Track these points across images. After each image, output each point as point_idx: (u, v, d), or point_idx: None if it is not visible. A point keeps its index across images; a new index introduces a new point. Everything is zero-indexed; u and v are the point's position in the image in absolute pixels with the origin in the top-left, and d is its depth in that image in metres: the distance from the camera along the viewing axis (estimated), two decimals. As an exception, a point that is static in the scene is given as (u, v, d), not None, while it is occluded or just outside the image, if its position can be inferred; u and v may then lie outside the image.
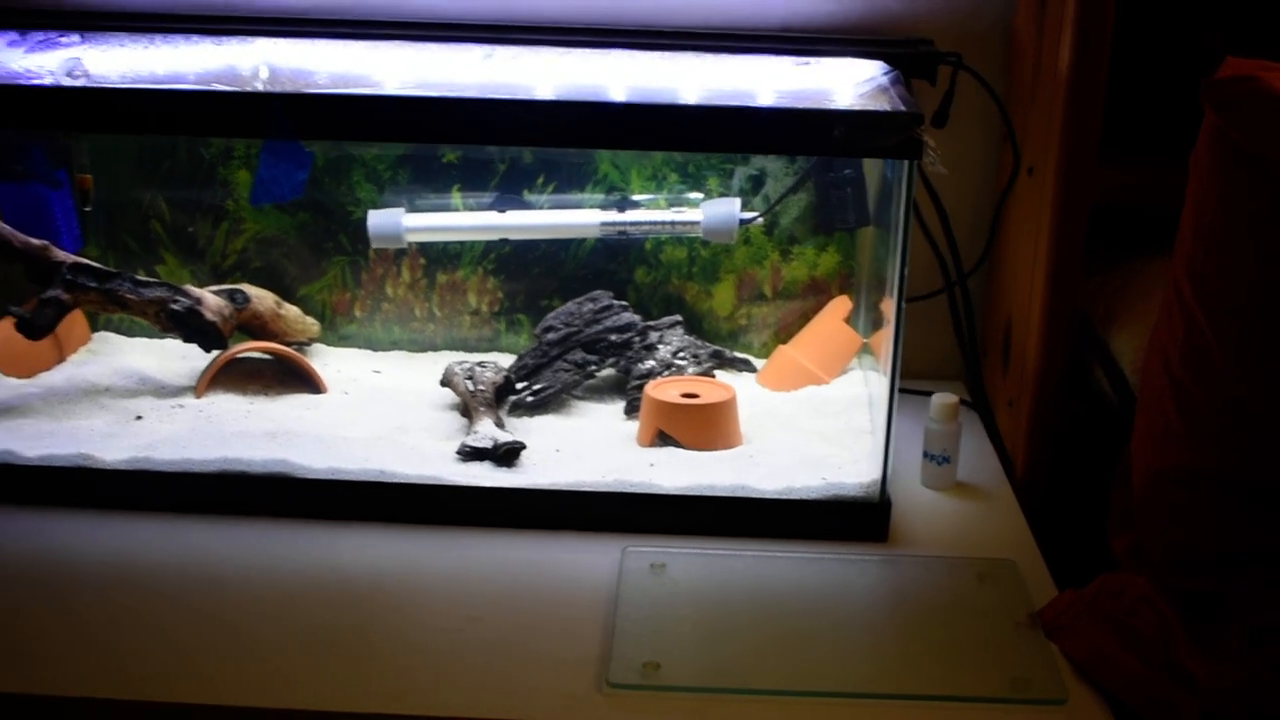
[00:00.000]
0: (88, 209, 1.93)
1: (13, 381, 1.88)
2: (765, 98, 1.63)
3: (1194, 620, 1.35)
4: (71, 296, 1.79)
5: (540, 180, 1.95)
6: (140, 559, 1.59)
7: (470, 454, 1.70)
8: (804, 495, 1.65)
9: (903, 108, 1.55)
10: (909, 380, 1.92)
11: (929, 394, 1.80)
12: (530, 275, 2.01)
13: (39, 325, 1.77)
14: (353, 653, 1.43)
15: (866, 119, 1.54)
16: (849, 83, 1.69)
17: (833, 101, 1.63)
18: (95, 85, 1.59)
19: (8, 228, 1.77)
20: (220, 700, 1.36)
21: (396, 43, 1.79)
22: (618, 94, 1.64)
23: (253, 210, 1.97)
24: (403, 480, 1.67)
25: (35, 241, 1.78)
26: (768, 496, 1.65)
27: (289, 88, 1.62)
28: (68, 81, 1.59)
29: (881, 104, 1.59)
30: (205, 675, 1.39)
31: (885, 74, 1.72)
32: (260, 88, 1.61)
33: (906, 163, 1.54)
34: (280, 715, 1.36)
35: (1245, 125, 1.29)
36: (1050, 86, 1.70)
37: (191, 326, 1.84)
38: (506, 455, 1.69)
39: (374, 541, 1.62)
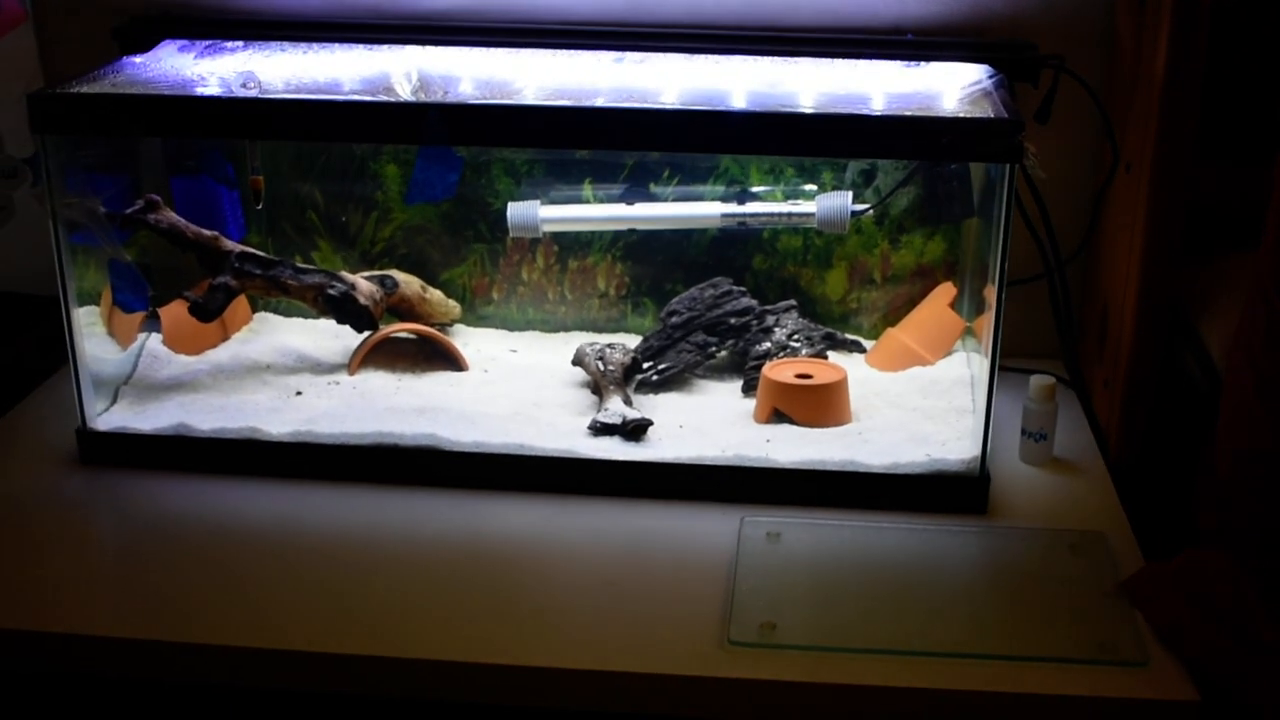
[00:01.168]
0: (259, 207, 2.07)
1: (183, 359, 2.02)
2: (877, 103, 1.73)
3: (1273, 597, 1.44)
4: (239, 283, 1.93)
5: (666, 174, 2.05)
6: (304, 524, 1.73)
7: (601, 429, 1.82)
8: (909, 470, 1.75)
9: (1005, 114, 1.64)
10: (1011, 359, 1.99)
11: (1030, 372, 1.88)
12: (655, 262, 2.11)
13: (210, 309, 1.91)
14: (500, 611, 1.56)
15: (970, 126, 1.63)
16: (955, 86, 1.77)
17: (940, 106, 1.72)
18: (269, 96, 1.73)
19: (182, 220, 1.91)
20: (378, 651, 1.49)
21: (534, 49, 1.91)
22: (739, 100, 1.74)
23: (400, 201, 2.10)
24: (540, 453, 1.79)
25: (206, 233, 1.92)
26: (876, 471, 1.75)
27: (441, 98, 1.74)
28: (243, 93, 1.74)
29: (985, 109, 1.68)
30: (365, 626, 1.53)
31: (990, 77, 1.80)
32: (415, 96, 1.74)
33: (1008, 166, 1.64)
34: (435, 666, 1.48)
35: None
36: (1148, 86, 1.76)
37: (346, 310, 1.98)
38: (635, 431, 1.81)
39: (516, 510, 1.75)
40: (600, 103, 1.72)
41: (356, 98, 1.74)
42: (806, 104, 1.73)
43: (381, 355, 2.03)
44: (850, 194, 2.00)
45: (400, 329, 2.04)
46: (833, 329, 2.08)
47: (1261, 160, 1.45)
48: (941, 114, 1.68)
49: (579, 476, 1.79)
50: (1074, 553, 1.65)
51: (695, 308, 2.01)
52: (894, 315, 2.11)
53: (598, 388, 1.92)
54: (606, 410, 1.84)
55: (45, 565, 1.65)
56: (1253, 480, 1.47)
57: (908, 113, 1.67)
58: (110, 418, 1.88)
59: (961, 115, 1.66)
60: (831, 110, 1.69)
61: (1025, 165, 1.63)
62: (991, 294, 1.73)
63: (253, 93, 1.73)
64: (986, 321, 1.75)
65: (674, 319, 2.00)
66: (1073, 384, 2.04)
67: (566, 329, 2.17)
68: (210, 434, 1.84)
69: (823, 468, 1.76)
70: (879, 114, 1.68)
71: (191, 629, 1.54)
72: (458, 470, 1.80)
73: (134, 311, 1.93)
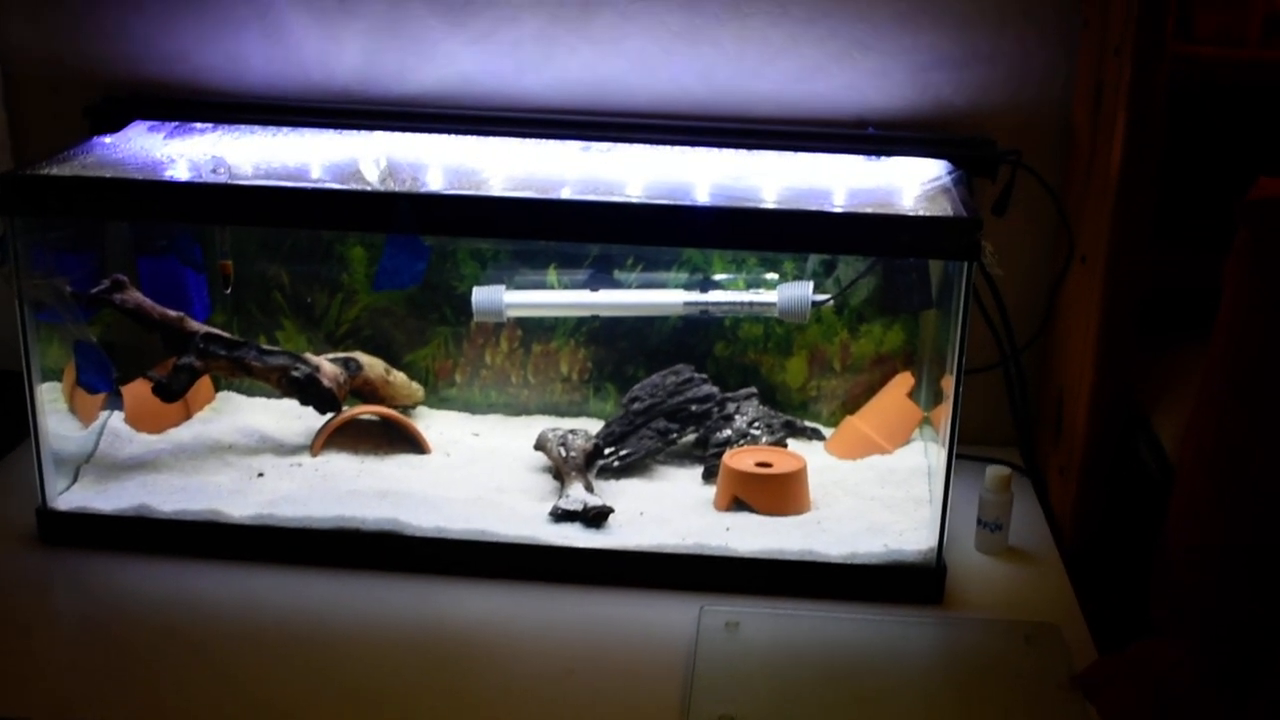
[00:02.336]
0: (228, 291, 2.09)
1: (145, 437, 2.03)
2: (838, 197, 1.76)
3: (1224, 689, 1.46)
4: (203, 363, 1.94)
5: (629, 261, 2.07)
6: (265, 609, 1.73)
7: (562, 516, 1.83)
8: (867, 560, 1.77)
9: (963, 212, 1.68)
10: (969, 446, 2.03)
11: (987, 461, 1.91)
12: (618, 347, 2.13)
13: (174, 389, 1.92)
14: (458, 698, 1.57)
15: (929, 224, 1.67)
16: (915, 182, 1.81)
17: (900, 201, 1.76)
18: (237, 183, 1.75)
19: (148, 300, 1.92)
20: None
21: (502, 137, 1.94)
22: (703, 193, 1.77)
23: (366, 283, 2.12)
24: (501, 540, 1.80)
25: (171, 313, 1.93)
26: (834, 561, 1.77)
27: (409, 186, 1.76)
28: (212, 178, 1.75)
29: (944, 207, 1.72)
30: (325, 711, 1.54)
31: (949, 173, 1.84)
32: (383, 184, 1.76)
33: (965, 264, 1.67)
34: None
35: (1274, 243, 1.40)
36: (1103, 181, 1.80)
37: (310, 392, 1.99)
38: (596, 518, 1.83)
39: (476, 595, 1.76)
40: (566, 194, 1.75)
41: (324, 186, 1.76)
42: (769, 197, 1.77)
43: (344, 437, 2.04)
44: (811, 284, 2.03)
45: (363, 411, 2.05)
46: (793, 416, 2.11)
47: (1216, 247, 1.48)
48: (901, 211, 1.71)
49: (539, 563, 1.80)
50: (1029, 644, 1.67)
51: (657, 394, 2.03)
52: (853, 403, 2.14)
53: (559, 473, 1.93)
54: (568, 496, 1.86)
55: (3, 646, 1.65)
56: (1204, 572, 1.49)
57: (867, 210, 1.71)
58: (71, 497, 1.88)
59: (920, 213, 1.70)
60: (793, 206, 1.73)
61: (982, 262, 1.66)
62: (949, 384, 1.75)
63: (222, 178, 1.75)
64: (944, 412, 1.77)
65: (636, 405, 2.02)
66: (1028, 472, 2.07)
67: (529, 412, 2.19)
68: (171, 515, 1.84)
69: (781, 557, 1.78)
70: (839, 211, 1.72)
71: (151, 713, 1.53)
72: (418, 555, 1.81)
73: (98, 392, 1.93)
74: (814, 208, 1.72)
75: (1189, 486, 1.53)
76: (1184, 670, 1.50)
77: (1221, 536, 1.48)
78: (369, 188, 1.76)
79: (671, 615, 1.72)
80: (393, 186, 1.75)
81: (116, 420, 2.03)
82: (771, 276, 2.06)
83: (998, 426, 2.11)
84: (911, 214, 1.70)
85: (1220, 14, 1.79)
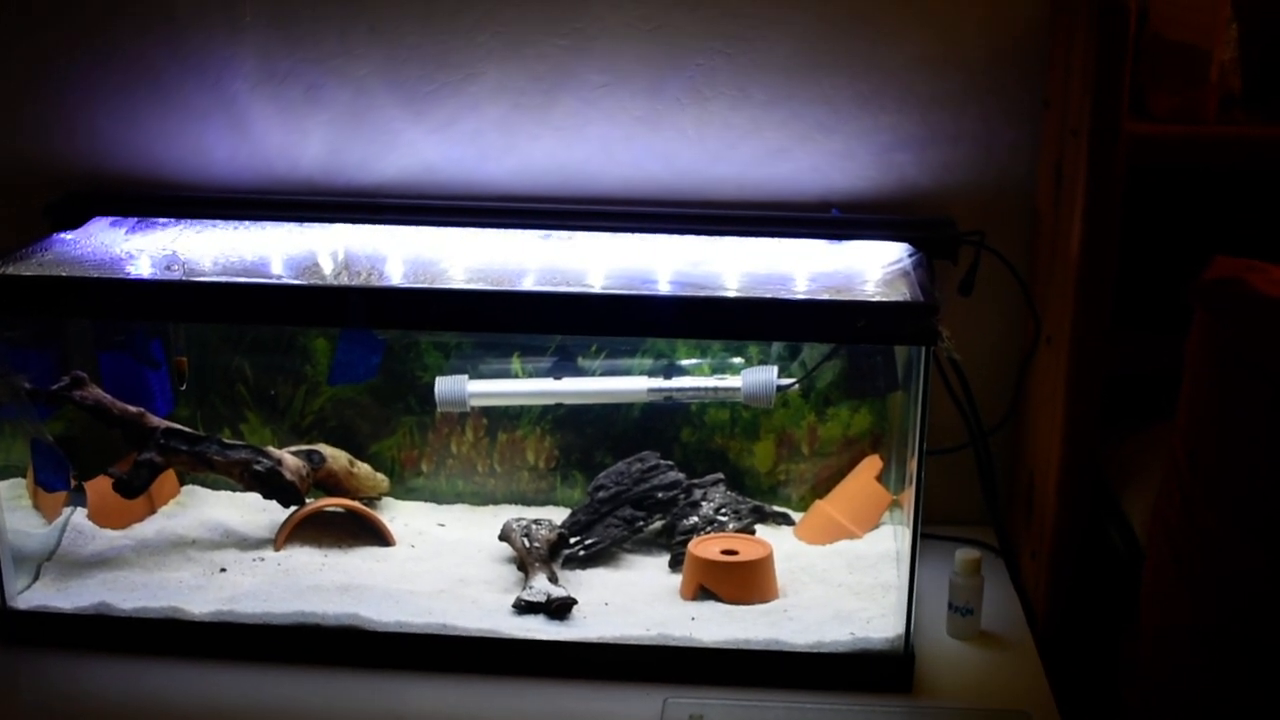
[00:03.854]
0: (183, 387, 2.08)
1: (109, 533, 2.01)
2: (799, 283, 1.76)
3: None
4: (164, 459, 1.93)
5: (593, 349, 2.07)
6: (224, 706, 1.71)
7: (526, 608, 1.81)
8: (834, 649, 1.75)
9: (920, 297, 1.67)
10: (940, 526, 2.04)
11: (959, 542, 1.89)
12: (584, 434, 2.12)
13: (134, 485, 1.91)
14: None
15: (886, 310, 1.66)
16: (875, 265, 1.81)
17: (860, 286, 1.75)
18: (191, 280, 1.74)
19: (108, 397, 1.91)
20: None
21: (462, 226, 1.94)
22: (663, 281, 1.77)
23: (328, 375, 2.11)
24: (463, 633, 1.78)
25: (132, 409, 1.92)
26: (800, 650, 1.75)
27: (365, 279, 1.75)
28: (167, 275, 1.75)
29: (902, 291, 1.71)
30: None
31: (910, 255, 1.84)
32: (338, 278, 1.76)
33: (923, 348, 1.66)
34: None
35: (1232, 324, 1.40)
36: (1065, 262, 1.80)
37: (272, 485, 1.98)
38: (559, 610, 1.81)
39: (436, 691, 1.74)
40: (527, 285, 1.75)
41: (277, 281, 1.76)
42: (730, 284, 1.76)
43: (308, 530, 2.03)
44: (775, 368, 2.02)
45: (327, 504, 2.04)
46: (761, 502, 2.09)
47: (1179, 329, 1.48)
48: (858, 298, 1.70)
49: (502, 656, 1.78)
50: (998, 734, 1.65)
51: (623, 482, 2.02)
52: (822, 487, 2.12)
53: (524, 564, 1.92)
54: (531, 588, 1.84)
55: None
56: (1171, 655, 1.49)
57: (824, 297, 1.70)
58: (31, 596, 1.87)
59: (877, 299, 1.69)
60: (751, 293, 1.72)
61: (940, 347, 1.65)
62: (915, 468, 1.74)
63: (176, 275, 1.74)
64: (909, 495, 1.76)
65: (601, 493, 2.01)
66: (1001, 553, 2.05)
67: (496, 501, 2.17)
68: (132, 613, 1.83)
69: (747, 647, 1.76)
70: (797, 298, 1.71)
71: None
72: (379, 650, 1.79)
73: (55, 491, 1.93)
74: (770, 295, 1.71)
75: (1156, 568, 1.53)
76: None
77: (1188, 616, 1.47)
78: (323, 283, 1.75)
79: (635, 708, 1.70)
80: (347, 281, 1.75)
81: (79, 516, 2.02)
82: (737, 361, 2.06)
83: (972, 506, 2.09)
84: (867, 300, 1.69)
85: (1177, 94, 1.80)
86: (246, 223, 1.96)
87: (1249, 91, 1.86)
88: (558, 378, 2.06)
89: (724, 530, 1.98)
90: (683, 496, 2.02)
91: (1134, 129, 1.73)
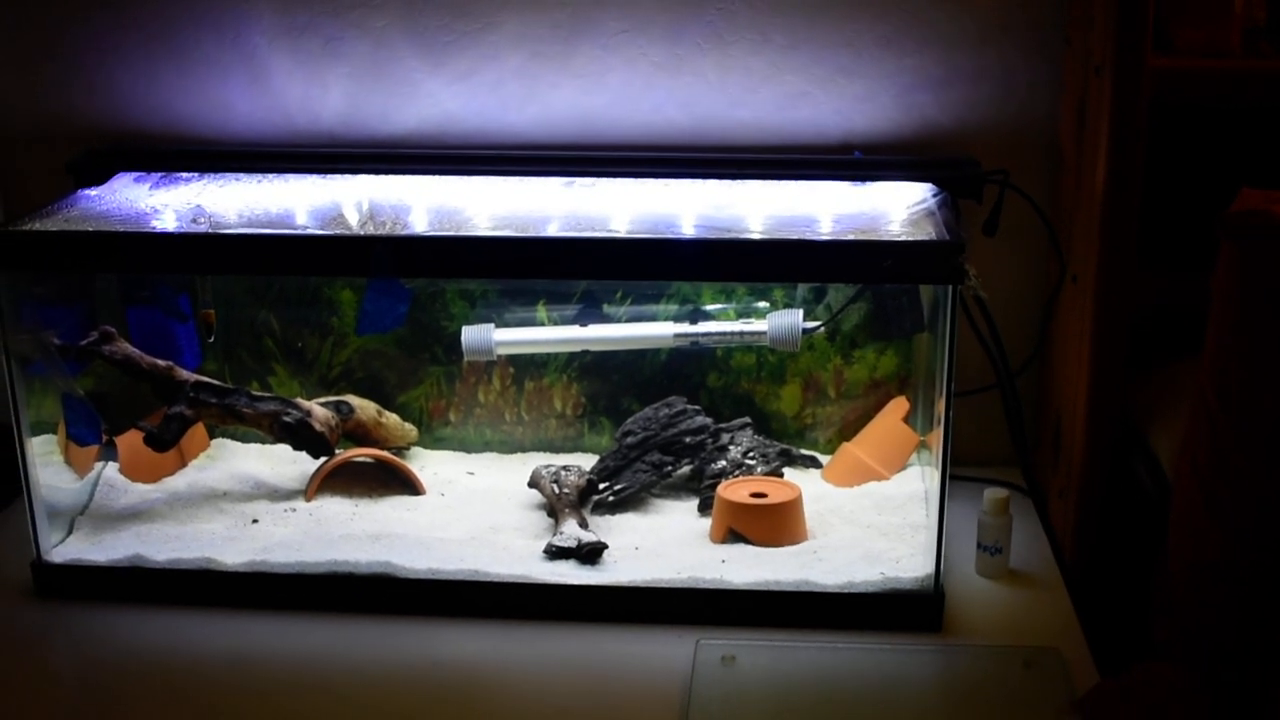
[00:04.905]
0: (210, 340, 2.09)
1: (140, 487, 2.03)
2: (823, 225, 1.75)
3: (1227, 710, 1.44)
4: (194, 412, 1.94)
5: (619, 295, 2.07)
6: (259, 655, 1.73)
7: (556, 553, 1.82)
8: (864, 589, 1.76)
9: (946, 236, 1.67)
10: (969, 468, 2.04)
11: (988, 483, 1.90)
12: (611, 381, 2.13)
13: (165, 439, 1.92)
14: (453, 743, 1.56)
15: (912, 250, 1.66)
16: (899, 206, 1.80)
17: (885, 227, 1.75)
18: (217, 232, 1.75)
19: (136, 350, 1.92)
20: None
21: (486, 175, 1.93)
22: (687, 225, 1.77)
23: (355, 326, 2.12)
24: (495, 579, 1.79)
25: (161, 363, 1.94)
26: (830, 590, 1.76)
27: (390, 229, 1.76)
28: (193, 228, 1.76)
29: (927, 231, 1.71)
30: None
31: (934, 195, 1.83)
32: (364, 228, 1.76)
33: (950, 287, 1.66)
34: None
35: (1259, 256, 1.39)
36: (1089, 200, 1.80)
37: (302, 437, 1.99)
38: (590, 554, 1.82)
39: (469, 636, 1.75)
40: (551, 231, 1.75)
41: (303, 232, 1.76)
42: (754, 227, 1.76)
43: (338, 480, 2.04)
44: (801, 312, 2.02)
45: (357, 454, 2.05)
46: (788, 445, 2.10)
47: (1206, 262, 1.48)
48: (883, 238, 1.70)
49: (533, 601, 1.79)
50: (1028, 669, 1.66)
51: (650, 427, 2.02)
52: (849, 430, 2.13)
53: (553, 510, 1.93)
54: (561, 534, 1.85)
55: (1, 702, 1.64)
56: (1201, 591, 1.48)
57: (849, 237, 1.70)
58: (66, 549, 1.88)
59: (902, 239, 1.69)
60: (776, 236, 1.72)
61: (967, 286, 1.65)
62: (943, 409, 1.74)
63: (203, 227, 1.75)
64: (938, 436, 1.76)
65: (629, 439, 2.02)
66: (1030, 493, 2.06)
67: (524, 449, 2.18)
68: (166, 565, 1.84)
69: (778, 588, 1.77)
70: (822, 239, 1.71)
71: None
72: (412, 597, 1.80)
73: (87, 445, 1.94)
74: (795, 236, 1.71)
75: (1184, 504, 1.52)
76: (1183, 692, 1.48)
77: (1218, 553, 1.46)
78: (349, 233, 1.75)
79: (667, 650, 1.71)
80: (373, 230, 1.75)
81: (111, 471, 2.04)
82: (762, 305, 2.06)
83: (999, 446, 2.09)
84: (893, 239, 1.69)
85: (1201, 27, 1.79)
86: (269, 176, 1.95)
87: (1273, 22, 1.85)
88: (583, 324, 2.06)
89: (752, 474, 1.99)
90: (710, 441, 2.03)
91: (1157, 64, 1.72)
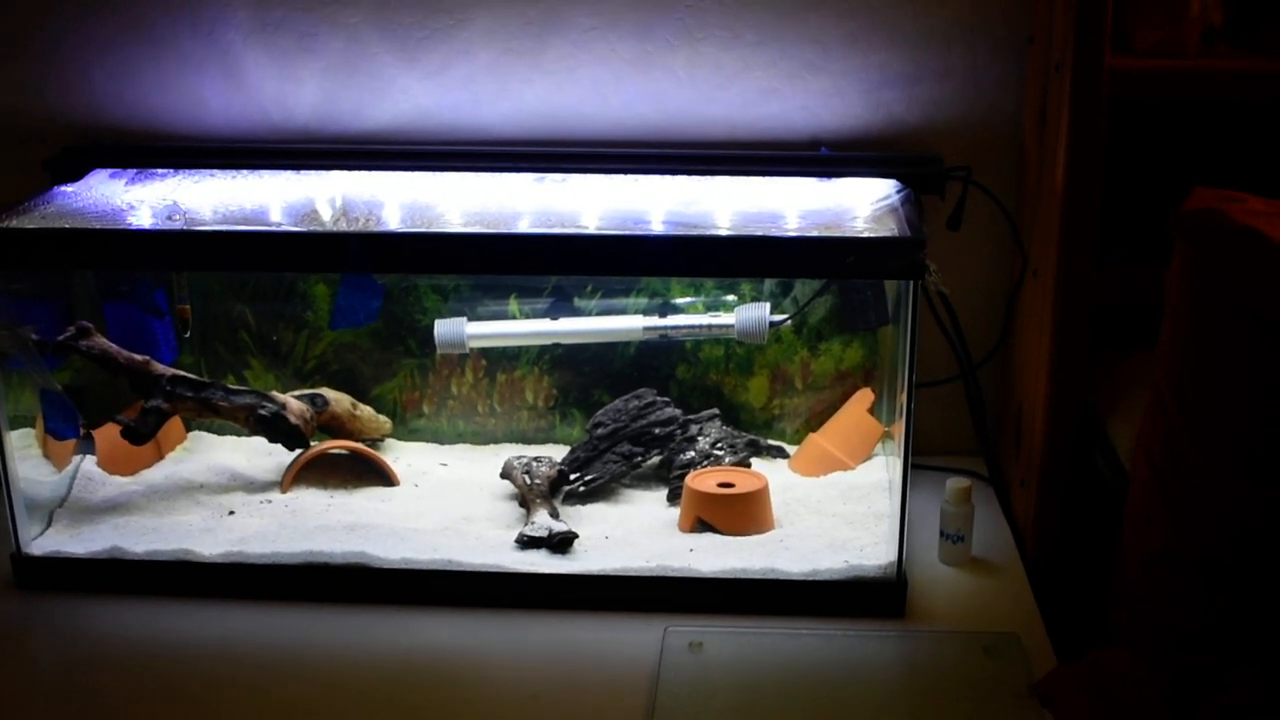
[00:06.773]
0: (187, 335, 2.11)
1: (118, 480, 2.05)
2: (789, 221, 1.78)
3: (1180, 697, 1.47)
4: (171, 405, 1.96)
5: (589, 289, 2.10)
6: (236, 646, 1.75)
7: (528, 543, 1.86)
8: (829, 577, 1.79)
9: (908, 232, 1.71)
10: (933, 458, 2.08)
11: (951, 472, 1.93)
12: (581, 373, 2.16)
13: (142, 432, 1.94)
14: (426, 729, 1.59)
15: (874, 245, 1.69)
16: (864, 202, 1.84)
17: (849, 222, 1.78)
18: (192, 229, 1.77)
19: (113, 345, 1.94)
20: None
21: (458, 171, 1.96)
22: (656, 221, 1.80)
23: (329, 320, 2.14)
24: (467, 568, 1.82)
25: (138, 357, 1.95)
26: (796, 578, 1.79)
27: (363, 225, 1.78)
28: (168, 225, 1.78)
29: (890, 227, 1.74)
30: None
31: (898, 192, 1.87)
32: (337, 224, 1.78)
33: (911, 283, 1.70)
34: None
35: (1211, 254, 1.42)
36: (1050, 196, 1.83)
37: (277, 429, 2.01)
38: (560, 544, 1.85)
39: (442, 624, 1.78)
40: (522, 227, 1.77)
41: (277, 229, 1.78)
42: (721, 223, 1.79)
43: (314, 472, 2.06)
44: (768, 305, 2.05)
45: (331, 446, 2.07)
46: (756, 436, 2.13)
47: (1164, 259, 1.51)
48: (846, 234, 1.73)
49: (506, 590, 1.82)
50: (988, 655, 1.69)
51: (620, 419, 2.05)
52: (815, 420, 2.16)
53: (525, 501, 1.96)
54: (533, 524, 1.88)
55: (-21, 693, 1.67)
56: (1156, 581, 1.51)
57: (813, 234, 1.73)
58: (45, 541, 1.91)
59: (865, 235, 1.72)
60: (742, 232, 1.75)
61: (928, 281, 1.68)
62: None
63: (177, 224, 1.77)
64: (900, 427, 1.80)
65: (600, 430, 2.05)
66: (992, 482, 2.09)
67: (497, 440, 2.21)
68: (144, 556, 1.86)
69: (745, 576, 1.80)
70: (786, 235, 1.74)
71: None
72: (386, 587, 1.83)
73: (65, 439, 1.96)
74: (761, 233, 1.74)
75: (1140, 495, 1.55)
76: (1137, 679, 1.51)
77: (1172, 544, 1.49)
78: (321, 229, 1.78)
79: (636, 637, 1.74)
80: (346, 227, 1.78)
81: (89, 464, 2.06)
82: (730, 299, 2.09)
83: (963, 437, 2.12)
84: (855, 236, 1.72)
85: (1159, 28, 1.82)
86: (244, 172, 1.97)
87: (1230, 24, 1.88)
88: (554, 318, 2.09)
89: (720, 464, 2.02)
90: (679, 432, 2.06)
91: (1116, 63, 1.75)
